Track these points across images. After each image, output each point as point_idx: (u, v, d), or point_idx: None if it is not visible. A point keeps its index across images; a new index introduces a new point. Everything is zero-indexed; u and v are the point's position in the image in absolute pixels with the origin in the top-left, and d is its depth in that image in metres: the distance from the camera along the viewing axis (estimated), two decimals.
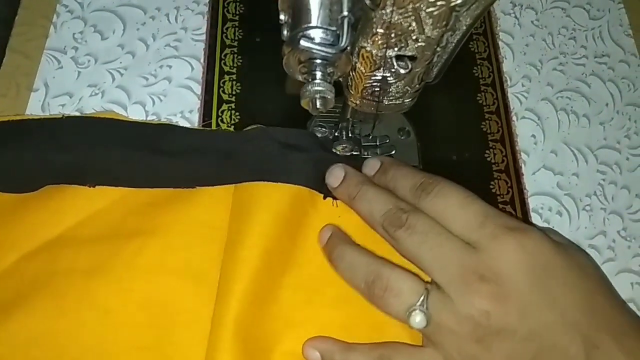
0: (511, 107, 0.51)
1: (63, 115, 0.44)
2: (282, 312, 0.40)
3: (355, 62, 0.33)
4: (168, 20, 0.51)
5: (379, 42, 0.31)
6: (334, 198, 0.43)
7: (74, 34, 0.50)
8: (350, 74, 0.35)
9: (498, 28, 0.55)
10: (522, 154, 0.50)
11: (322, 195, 0.43)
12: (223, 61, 0.50)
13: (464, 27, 0.34)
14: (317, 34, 0.29)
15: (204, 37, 0.51)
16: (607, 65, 0.55)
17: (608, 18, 0.58)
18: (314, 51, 0.29)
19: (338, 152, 0.44)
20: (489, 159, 0.49)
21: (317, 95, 0.30)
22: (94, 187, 0.42)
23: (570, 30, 0.56)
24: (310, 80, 0.30)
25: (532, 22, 0.56)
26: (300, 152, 0.43)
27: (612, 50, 0.56)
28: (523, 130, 0.51)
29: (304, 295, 0.41)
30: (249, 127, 0.45)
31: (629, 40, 0.57)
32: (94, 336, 0.38)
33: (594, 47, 0.56)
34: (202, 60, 0.50)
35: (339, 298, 0.41)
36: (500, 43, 0.54)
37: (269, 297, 0.40)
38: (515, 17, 0.56)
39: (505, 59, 0.54)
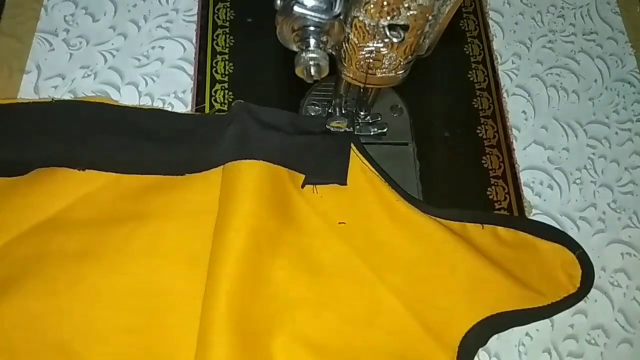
0: (502, 84, 0.52)
1: (53, 99, 0.44)
2: (278, 293, 0.40)
3: (349, 34, 0.33)
4: (159, 1, 0.51)
5: (372, 11, 0.31)
6: (313, 184, 0.43)
7: (65, 16, 0.50)
8: (344, 45, 0.35)
9: (488, 7, 0.56)
10: (513, 129, 0.50)
11: (302, 176, 0.43)
12: (215, 41, 0.50)
13: None
14: (310, 1, 0.29)
15: (195, 18, 0.51)
16: (595, 43, 0.56)
17: None
18: (308, 17, 0.29)
19: (332, 129, 0.44)
20: (480, 134, 0.49)
21: (312, 63, 0.30)
22: (84, 170, 0.42)
23: (558, 9, 0.57)
24: (304, 48, 0.30)
25: (521, 0, 0.57)
26: (279, 132, 0.43)
27: (600, 27, 0.57)
28: (514, 106, 0.51)
29: (298, 276, 0.41)
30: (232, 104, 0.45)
31: (617, 17, 0.57)
32: (83, 318, 0.38)
33: (583, 24, 0.57)
34: (194, 41, 0.50)
35: (331, 275, 0.41)
36: (490, 21, 0.55)
37: (261, 278, 0.40)
38: None
39: (496, 37, 0.54)
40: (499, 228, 0.44)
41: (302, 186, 0.43)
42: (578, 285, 0.43)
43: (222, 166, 0.43)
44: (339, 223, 0.43)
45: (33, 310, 0.38)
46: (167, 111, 0.46)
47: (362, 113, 0.46)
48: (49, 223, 0.41)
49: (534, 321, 0.42)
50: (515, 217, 0.46)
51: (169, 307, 0.40)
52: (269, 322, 0.39)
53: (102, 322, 0.39)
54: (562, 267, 0.43)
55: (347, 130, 0.45)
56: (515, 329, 0.42)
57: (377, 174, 0.44)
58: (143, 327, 0.39)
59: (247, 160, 0.41)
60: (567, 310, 0.44)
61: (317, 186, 0.43)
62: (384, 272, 0.42)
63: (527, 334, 0.43)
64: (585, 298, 0.44)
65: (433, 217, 0.43)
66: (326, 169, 0.44)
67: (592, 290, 0.44)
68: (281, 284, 0.40)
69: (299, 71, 0.32)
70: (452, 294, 0.41)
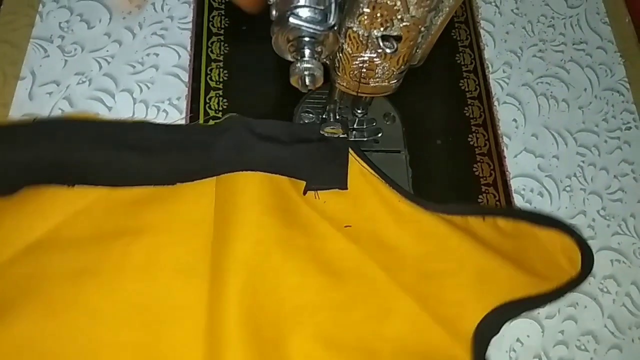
0: (493, 93, 0.53)
1: (35, 119, 0.43)
2: (292, 297, 0.40)
3: (343, 43, 0.34)
4: (154, 9, 0.52)
5: (366, 22, 0.32)
6: (315, 190, 0.44)
7: (60, 22, 0.50)
8: (338, 55, 0.35)
9: (479, 16, 0.57)
10: (504, 137, 0.51)
11: (304, 182, 0.43)
12: (210, 49, 0.50)
13: (447, 9, 0.34)
14: (305, 13, 0.30)
15: (190, 25, 0.51)
16: (585, 52, 0.57)
17: (585, 6, 0.59)
18: (303, 28, 0.29)
19: (326, 134, 0.45)
20: (472, 143, 0.50)
21: (306, 73, 0.31)
22: (72, 187, 0.42)
23: (549, 18, 0.58)
24: (299, 58, 0.31)
25: (512, 10, 0.58)
26: (275, 143, 0.43)
27: (590, 37, 0.58)
28: (505, 114, 0.52)
29: (311, 279, 0.41)
30: (224, 117, 0.45)
31: (606, 27, 0.58)
32: (84, 337, 0.38)
33: (572, 34, 0.58)
34: (188, 48, 0.50)
35: (344, 276, 0.41)
36: (481, 31, 0.56)
37: (272, 284, 0.40)
38: (496, 5, 0.58)
39: (487, 46, 0.55)
40: (499, 219, 0.45)
41: (304, 192, 0.44)
42: (579, 268, 0.43)
43: (215, 177, 0.43)
44: (345, 226, 0.43)
45: (33, 333, 0.37)
46: (154, 123, 0.46)
47: (359, 111, 0.47)
48: (41, 243, 0.40)
49: (542, 306, 0.43)
50: (513, 208, 0.47)
51: (170, 320, 0.39)
52: (285, 326, 0.39)
53: (103, 340, 0.38)
54: (563, 251, 0.44)
55: (343, 135, 0.45)
56: (505, 335, 0.42)
57: (376, 176, 0.44)
58: (145, 341, 0.39)
59: (245, 172, 0.42)
60: (557, 316, 0.45)
61: (319, 192, 0.44)
62: (394, 271, 0.42)
63: (517, 340, 0.44)
64: (576, 304, 0.45)
65: (435, 213, 0.44)
66: (326, 174, 0.44)
67: (582, 296, 0.45)
68: (295, 288, 0.40)
69: (293, 81, 0.32)
70: (462, 286, 0.42)
